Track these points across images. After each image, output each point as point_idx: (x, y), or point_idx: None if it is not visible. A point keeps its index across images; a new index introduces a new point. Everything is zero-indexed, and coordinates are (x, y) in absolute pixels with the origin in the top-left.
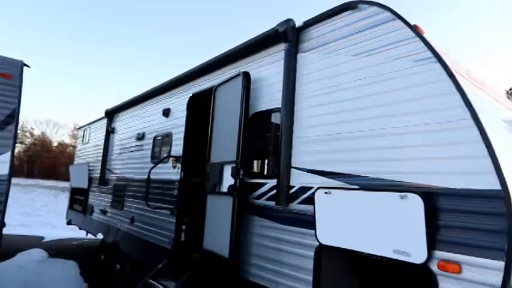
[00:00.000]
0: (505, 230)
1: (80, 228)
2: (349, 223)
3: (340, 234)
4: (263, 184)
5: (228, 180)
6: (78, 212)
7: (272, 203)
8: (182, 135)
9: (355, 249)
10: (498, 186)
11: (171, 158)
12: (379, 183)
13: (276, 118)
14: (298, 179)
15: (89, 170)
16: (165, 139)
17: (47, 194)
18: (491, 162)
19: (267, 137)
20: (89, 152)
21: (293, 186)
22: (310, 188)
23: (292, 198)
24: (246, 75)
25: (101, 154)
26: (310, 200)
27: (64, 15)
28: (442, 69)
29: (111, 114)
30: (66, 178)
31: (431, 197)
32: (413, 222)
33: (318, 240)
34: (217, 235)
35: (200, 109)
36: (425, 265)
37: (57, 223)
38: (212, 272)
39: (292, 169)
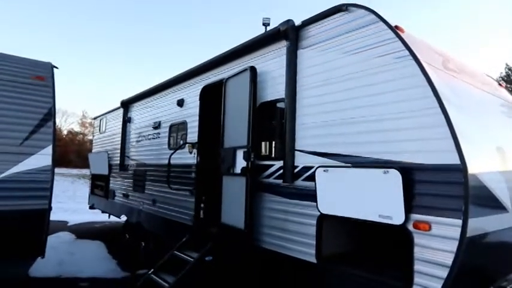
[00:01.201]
0: (462, 195)
1: (103, 212)
2: (344, 195)
3: (337, 205)
4: (271, 165)
5: (240, 163)
6: (100, 196)
7: (279, 181)
8: (196, 123)
9: (350, 216)
10: (458, 161)
11: (187, 144)
12: (367, 161)
13: (280, 107)
14: (301, 160)
15: (108, 157)
16: (180, 127)
17: (64, 180)
18: (453, 143)
19: (274, 124)
20: (107, 140)
21: (297, 166)
22: (312, 167)
23: (297, 176)
24: (253, 70)
25: (120, 142)
26: (312, 178)
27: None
28: (416, 66)
29: (126, 105)
30: (78, 165)
31: (407, 172)
32: (393, 192)
33: (319, 210)
34: (233, 211)
35: (211, 99)
36: (403, 225)
37: (77, 208)
38: (230, 242)
39: (296, 151)
